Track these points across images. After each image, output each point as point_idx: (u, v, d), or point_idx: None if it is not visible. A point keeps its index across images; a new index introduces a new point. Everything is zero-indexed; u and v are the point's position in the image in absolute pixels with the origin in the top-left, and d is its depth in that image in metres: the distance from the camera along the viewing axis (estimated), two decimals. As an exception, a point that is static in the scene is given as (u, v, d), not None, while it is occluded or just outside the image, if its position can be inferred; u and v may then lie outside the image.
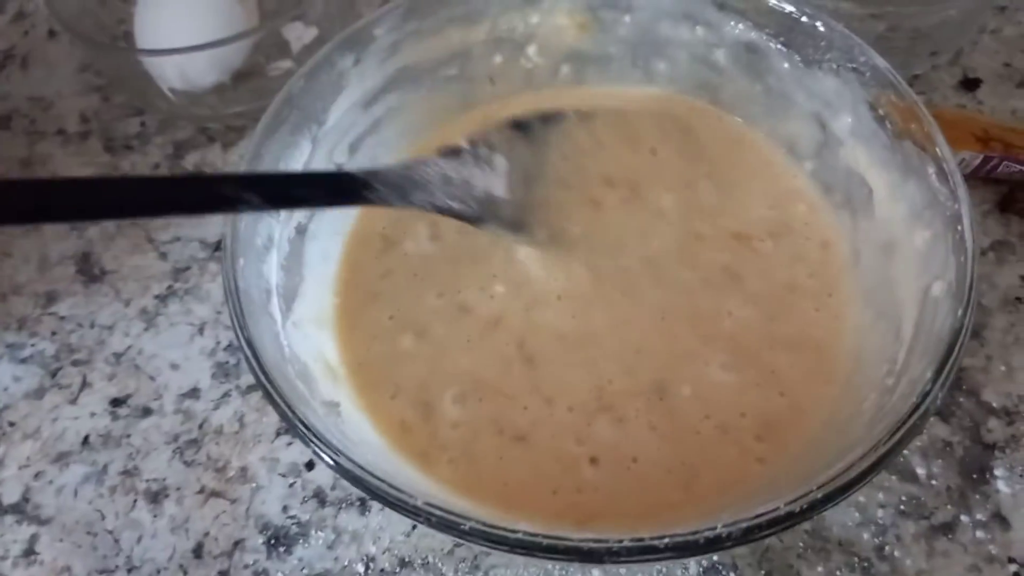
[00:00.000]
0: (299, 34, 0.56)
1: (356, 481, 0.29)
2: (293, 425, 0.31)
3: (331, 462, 0.30)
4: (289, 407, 0.31)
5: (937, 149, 0.38)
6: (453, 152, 0.39)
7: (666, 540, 0.28)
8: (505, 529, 0.28)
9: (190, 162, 0.57)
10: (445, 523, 0.28)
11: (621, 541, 0.28)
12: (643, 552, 0.28)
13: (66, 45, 0.63)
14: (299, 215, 0.42)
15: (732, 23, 0.45)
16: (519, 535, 0.28)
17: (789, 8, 0.43)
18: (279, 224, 0.40)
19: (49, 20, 0.65)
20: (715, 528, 0.28)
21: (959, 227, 0.35)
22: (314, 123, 0.42)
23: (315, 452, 0.30)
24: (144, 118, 0.59)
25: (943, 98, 0.56)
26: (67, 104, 0.60)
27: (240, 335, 0.33)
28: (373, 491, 0.29)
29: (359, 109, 0.45)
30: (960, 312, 0.33)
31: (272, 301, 0.38)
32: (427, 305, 0.42)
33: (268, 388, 0.31)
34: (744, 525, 0.28)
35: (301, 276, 0.42)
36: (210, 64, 0.53)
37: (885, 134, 0.41)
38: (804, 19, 0.42)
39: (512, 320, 0.41)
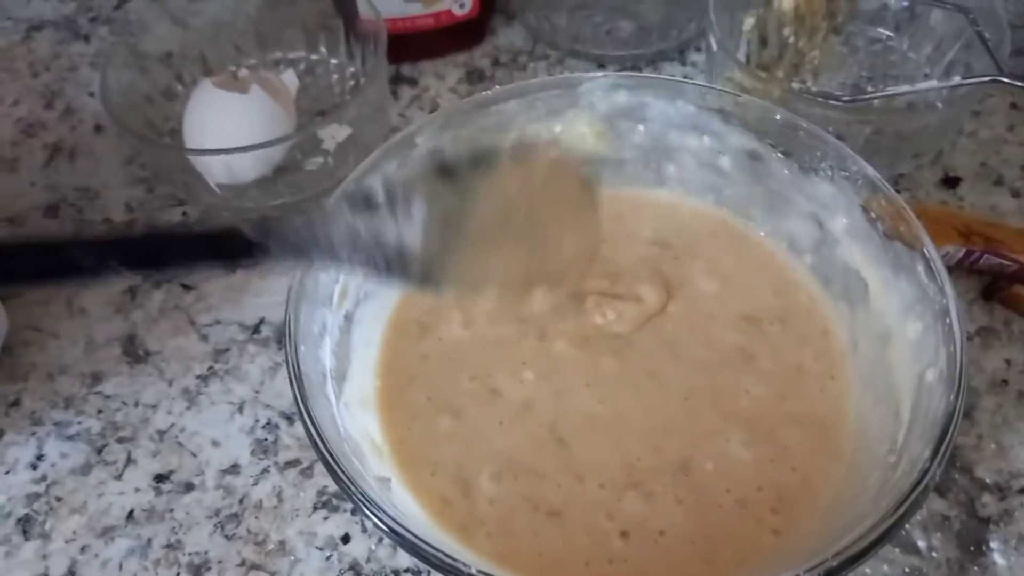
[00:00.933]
0: (333, 132, 0.61)
1: (415, 550, 0.32)
2: (358, 502, 0.33)
3: (392, 533, 0.33)
4: (353, 484, 0.34)
5: (924, 249, 0.42)
6: (366, 203, 0.34)
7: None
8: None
9: (229, 250, 0.60)
10: (500, 590, 0.31)
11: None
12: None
13: (112, 139, 0.67)
14: (347, 304, 0.45)
15: (736, 133, 0.49)
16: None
17: (788, 121, 0.47)
18: (331, 313, 0.43)
19: (96, 116, 0.69)
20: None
21: (947, 319, 0.39)
22: (361, 222, 0.46)
23: (376, 525, 0.33)
24: (186, 208, 0.63)
25: (926, 195, 0.61)
26: (113, 194, 0.64)
27: (306, 416, 0.36)
28: (430, 560, 0.32)
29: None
30: (952, 397, 0.36)
31: (327, 384, 0.41)
32: (461, 388, 0.45)
33: (334, 466, 0.34)
34: (768, 592, 0.31)
35: (348, 360, 0.45)
36: (255, 162, 0.58)
37: (877, 234, 0.45)
38: (801, 132, 0.47)
39: (542, 404, 0.44)
